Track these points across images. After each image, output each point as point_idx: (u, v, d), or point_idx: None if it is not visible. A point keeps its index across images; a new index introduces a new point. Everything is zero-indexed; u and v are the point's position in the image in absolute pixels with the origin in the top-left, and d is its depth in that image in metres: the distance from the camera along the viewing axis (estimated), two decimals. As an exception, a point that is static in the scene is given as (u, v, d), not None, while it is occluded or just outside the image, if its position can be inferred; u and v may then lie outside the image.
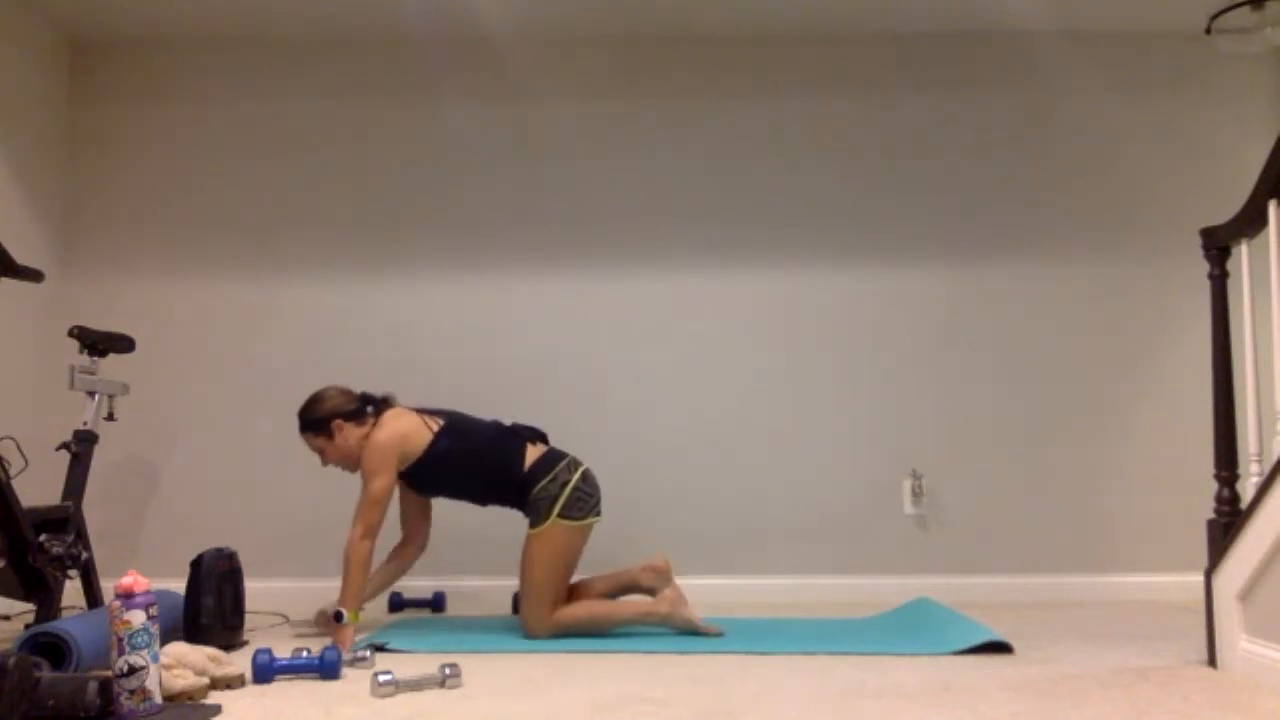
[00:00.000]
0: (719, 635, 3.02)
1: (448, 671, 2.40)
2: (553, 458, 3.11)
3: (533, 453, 3.11)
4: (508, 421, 3.24)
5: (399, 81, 4.01)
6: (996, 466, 3.88)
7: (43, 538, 2.96)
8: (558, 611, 3.02)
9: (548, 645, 2.91)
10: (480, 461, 3.09)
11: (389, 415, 3.09)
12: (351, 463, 3.14)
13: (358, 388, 3.23)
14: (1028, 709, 2.16)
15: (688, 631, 3.04)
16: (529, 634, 3.02)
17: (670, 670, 2.58)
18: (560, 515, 3.02)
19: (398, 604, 3.62)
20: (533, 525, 3.05)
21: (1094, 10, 3.83)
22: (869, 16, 3.89)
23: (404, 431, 3.03)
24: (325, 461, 3.16)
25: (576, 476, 3.07)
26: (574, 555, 3.07)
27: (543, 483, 3.05)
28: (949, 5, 3.80)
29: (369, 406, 3.15)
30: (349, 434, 3.09)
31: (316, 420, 3.11)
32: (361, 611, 2.96)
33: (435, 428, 3.08)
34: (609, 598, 3.16)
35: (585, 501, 3.06)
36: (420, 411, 3.15)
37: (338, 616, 2.88)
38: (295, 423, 3.18)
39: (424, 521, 3.34)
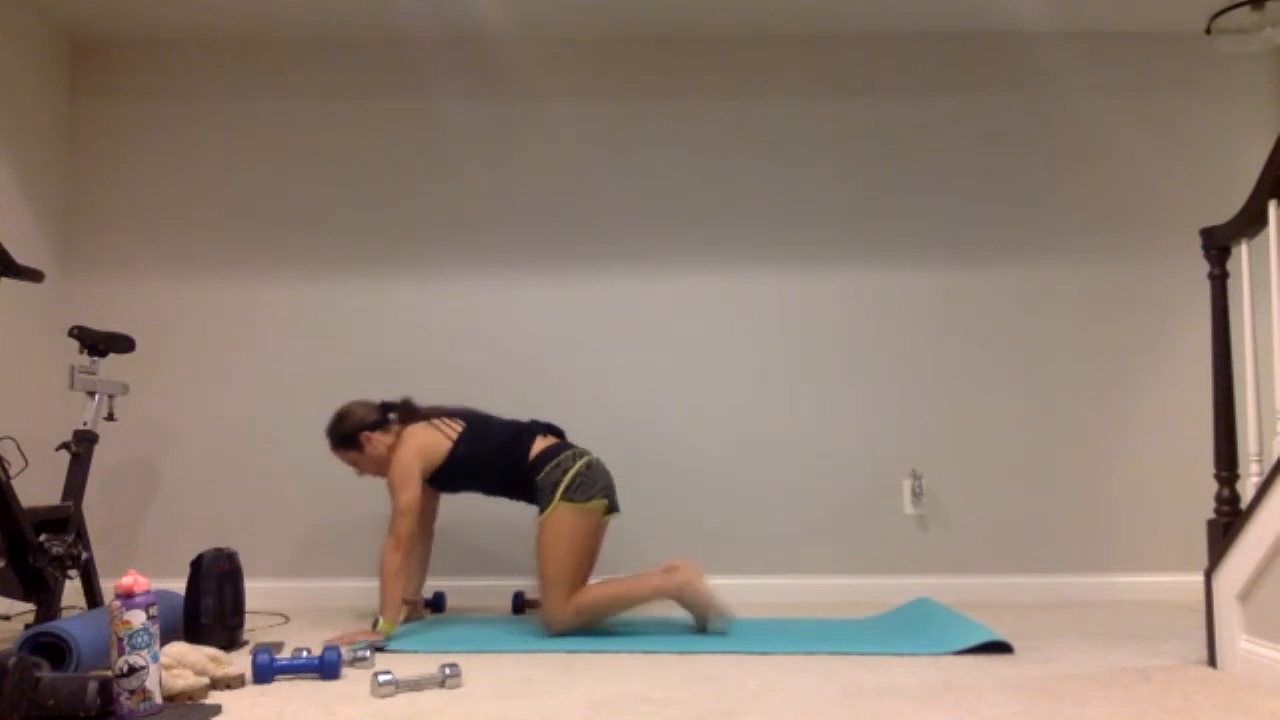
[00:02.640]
0: (731, 620, 3.05)
1: (448, 671, 2.40)
2: (559, 448, 3.16)
3: (540, 444, 3.16)
4: (526, 418, 3.31)
5: (398, 82, 4.01)
6: (996, 466, 3.88)
7: (43, 538, 2.96)
8: (578, 597, 3.02)
9: (548, 645, 2.90)
10: (495, 461, 3.16)
11: (409, 432, 3.18)
12: (383, 470, 3.22)
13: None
14: (1028, 709, 2.16)
15: (702, 608, 3.04)
16: (549, 627, 3.01)
17: (670, 670, 2.58)
18: (564, 498, 3.04)
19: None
20: (540, 512, 3.08)
21: (1094, 10, 3.83)
22: (869, 16, 3.89)
23: (423, 447, 3.13)
24: (360, 473, 3.27)
25: (580, 464, 3.11)
26: (586, 540, 3.07)
27: (546, 469, 3.09)
28: (949, 5, 3.80)
29: (390, 414, 3.24)
30: (377, 443, 3.19)
31: (346, 436, 3.21)
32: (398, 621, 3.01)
33: (454, 435, 3.16)
34: None
35: (589, 485, 3.08)
36: (439, 416, 3.22)
37: (375, 623, 2.96)
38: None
39: (430, 515, 3.44)
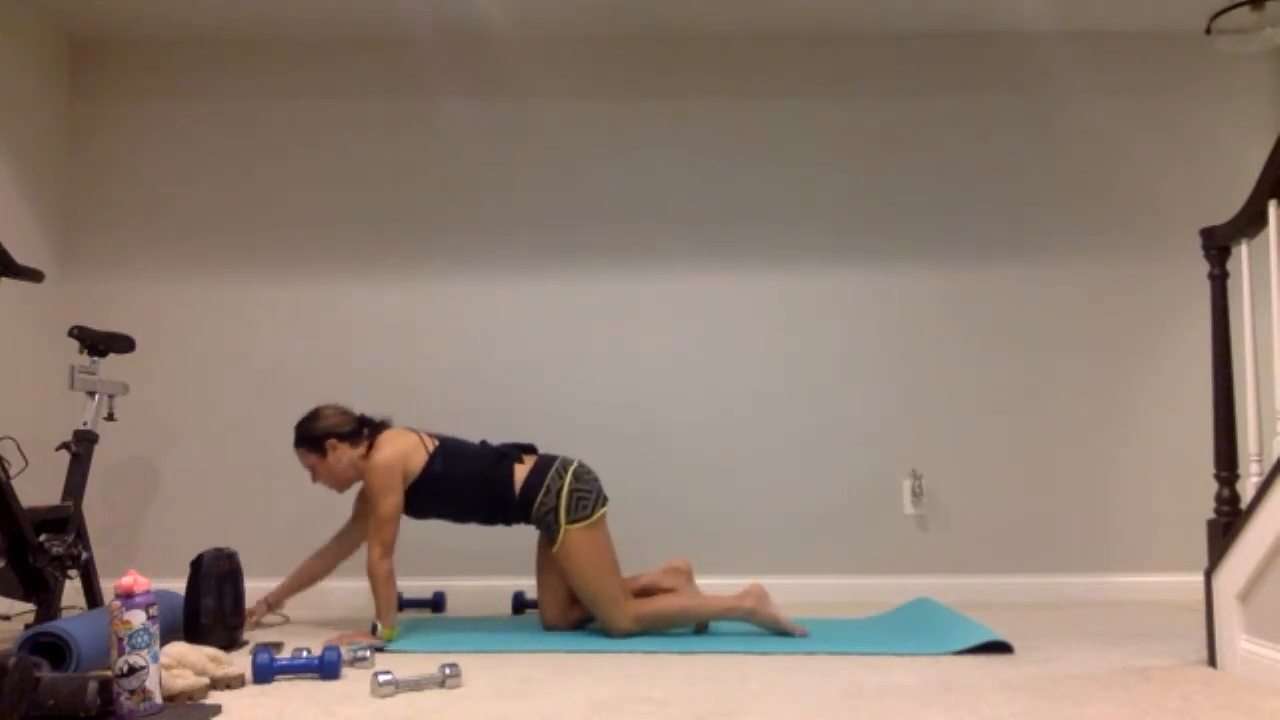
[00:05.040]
0: (804, 635, 2.98)
1: (448, 671, 2.40)
2: (541, 469, 3.09)
3: (520, 472, 3.09)
4: (495, 440, 3.25)
5: (398, 81, 4.01)
6: (996, 466, 3.88)
7: (43, 538, 2.96)
8: (639, 606, 3.02)
9: (548, 645, 2.91)
10: (472, 487, 3.08)
11: (388, 435, 3.10)
12: (340, 483, 3.17)
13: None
14: (1028, 709, 2.16)
15: (773, 629, 3.01)
16: (614, 636, 2.99)
17: (670, 670, 2.58)
18: (569, 522, 3.02)
19: (398, 604, 3.61)
20: (552, 544, 3.05)
21: (1094, 10, 3.83)
22: (869, 16, 3.89)
23: (404, 450, 3.05)
24: (315, 478, 3.18)
25: (569, 479, 3.07)
26: (605, 549, 3.06)
27: (539, 499, 3.05)
28: (949, 5, 3.80)
29: (365, 429, 3.15)
30: (342, 454, 3.10)
31: (312, 437, 3.12)
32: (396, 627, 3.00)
33: (431, 448, 3.08)
34: None
35: (586, 498, 3.06)
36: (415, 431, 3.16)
37: (374, 629, 2.96)
38: (296, 422, 3.18)
39: (352, 542, 3.35)
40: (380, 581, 2.95)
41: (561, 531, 3.01)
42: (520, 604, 3.61)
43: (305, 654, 2.56)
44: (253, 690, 2.38)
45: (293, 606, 3.50)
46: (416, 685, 2.37)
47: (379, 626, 2.94)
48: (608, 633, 3.01)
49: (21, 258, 3.06)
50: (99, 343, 3.37)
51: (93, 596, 3.29)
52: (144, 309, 3.93)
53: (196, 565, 2.93)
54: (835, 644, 2.86)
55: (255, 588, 3.26)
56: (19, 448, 3.15)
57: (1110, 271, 3.94)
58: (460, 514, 3.15)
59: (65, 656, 2.37)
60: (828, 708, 2.18)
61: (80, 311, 3.84)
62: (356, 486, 3.26)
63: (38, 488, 3.37)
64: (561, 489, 3.04)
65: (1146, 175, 3.97)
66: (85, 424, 3.30)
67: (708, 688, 2.38)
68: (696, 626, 3.10)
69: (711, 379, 3.92)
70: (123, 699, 2.06)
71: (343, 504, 3.38)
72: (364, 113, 4.01)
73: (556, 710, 2.18)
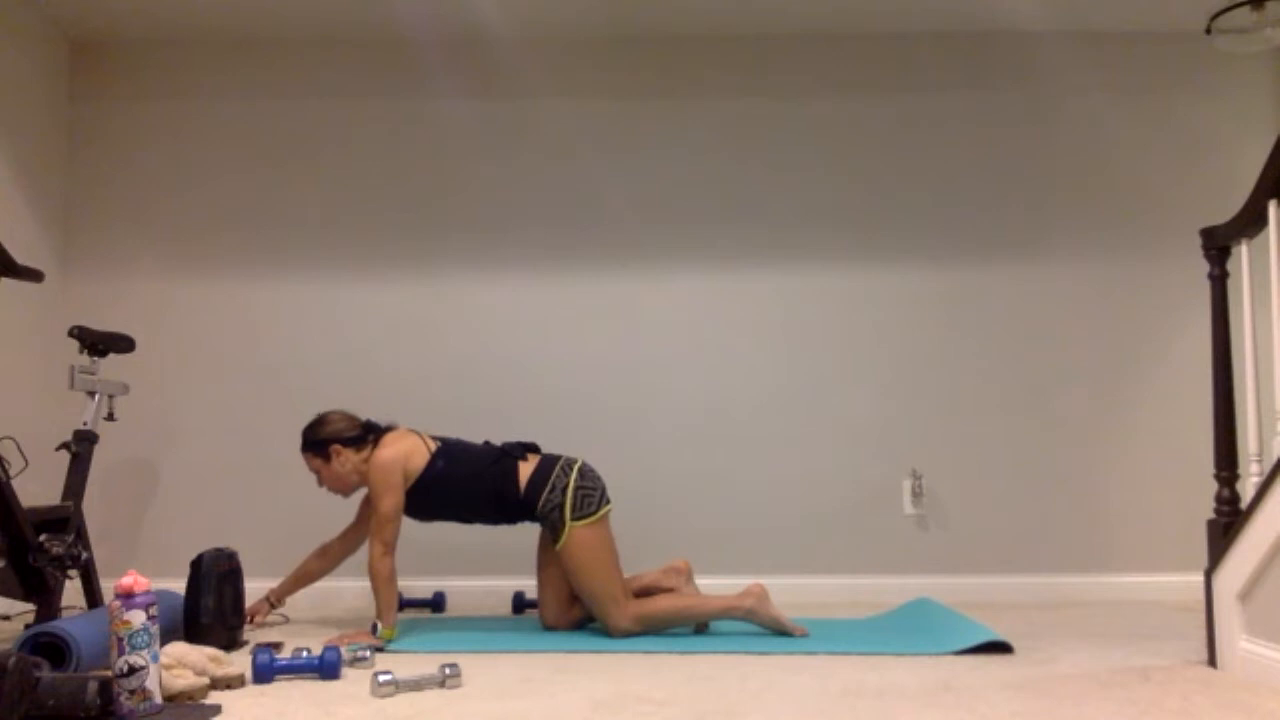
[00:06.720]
0: (804, 635, 2.98)
1: (448, 671, 2.40)
2: (546, 468, 3.10)
3: (525, 470, 3.10)
4: (497, 441, 3.25)
5: (398, 81, 4.01)
6: (996, 466, 3.88)
7: (43, 538, 2.96)
8: (639, 606, 3.02)
9: (548, 645, 2.91)
10: (476, 484, 3.09)
11: (390, 437, 3.12)
12: (343, 488, 3.18)
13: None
14: (1028, 709, 2.16)
15: (773, 629, 3.01)
16: (614, 635, 2.99)
17: (670, 670, 2.58)
18: (574, 519, 3.02)
19: (398, 604, 3.61)
20: (556, 541, 3.05)
21: (1094, 10, 3.84)
22: (868, 16, 3.89)
23: (405, 450, 3.06)
24: (320, 482, 3.20)
25: (574, 477, 3.08)
26: (608, 547, 3.06)
27: (544, 496, 3.05)
28: (949, 5, 3.80)
29: (370, 434, 3.16)
30: (346, 459, 3.12)
31: (316, 442, 3.14)
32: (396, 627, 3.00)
33: (433, 448, 3.10)
34: None
35: (591, 496, 3.07)
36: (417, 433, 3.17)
37: (374, 629, 2.95)
38: (296, 422, 3.19)
39: (352, 543, 3.37)
40: (381, 581, 2.96)
41: (566, 528, 3.02)
42: (520, 604, 3.61)
43: (305, 654, 2.56)
44: (253, 690, 2.38)
45: (293, 606, 3.50)
46: (416, 685, 2.37)
47: (379, 626, 2.94)
48: (608, 632, 3.01)
49: (21, 258, 3.06)
50: (99, 343, 3.37)
51: (93, 596, 3.29)
52: (144, 309, 3.93)
53: (196, 565, 2.93)
54: (835, 644, 2.86)
55: (255, 588, 3.26)
56: (19, 448, 3.15)
57: (1110, 271, 3.94)
58: (465, 514, 3.16)
59: (65, 656, 2.37)
60: (828, 708, 2.18)
61: (80, 311, 3.84)
62: (361, 492, 3.26)
63: (38, 488, 3.37)
64: (567, 486, 3.05)
65: (1146, 175, 3.97)
66: (85, 424, 3.30)
67: (708, 688, 2.38)
68: (696, 626, 3.10)
69: (711, 379, 3.92)
70: (123, 699, 2.07)
71: (342, 504, 3.38)
72: (364, 113, 4.01)
73: (556, 710, 2.18)
